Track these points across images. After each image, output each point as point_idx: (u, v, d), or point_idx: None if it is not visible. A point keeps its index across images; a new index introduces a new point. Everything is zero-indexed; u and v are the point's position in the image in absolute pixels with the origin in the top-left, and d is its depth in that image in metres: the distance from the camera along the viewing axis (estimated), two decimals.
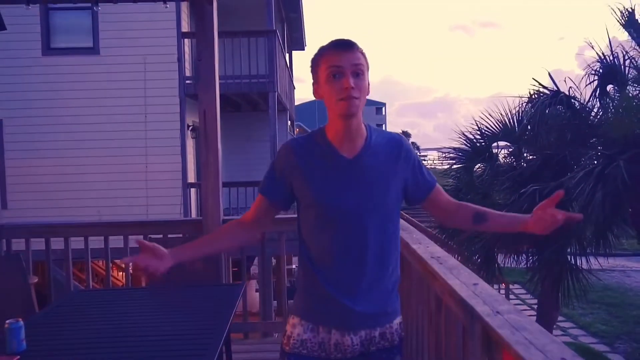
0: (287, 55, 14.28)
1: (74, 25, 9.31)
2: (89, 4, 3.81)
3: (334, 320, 1.50)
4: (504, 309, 1.49)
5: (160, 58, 8.91)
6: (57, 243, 3.76)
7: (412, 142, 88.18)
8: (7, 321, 1.90)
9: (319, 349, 1.52)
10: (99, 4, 3.77)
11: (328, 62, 1.43)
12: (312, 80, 1.51)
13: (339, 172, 1.47)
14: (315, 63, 1.48)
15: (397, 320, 1.58)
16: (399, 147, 1.53)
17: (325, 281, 1.49)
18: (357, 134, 1.48)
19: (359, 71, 1.42)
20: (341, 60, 1.41)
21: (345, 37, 1.47)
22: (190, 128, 9.67)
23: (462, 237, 7.59)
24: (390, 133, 1.57)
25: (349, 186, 1.47)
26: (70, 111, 8.83)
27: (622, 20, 7.28)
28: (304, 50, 18.41)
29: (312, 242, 1.52)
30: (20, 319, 1.92)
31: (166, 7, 3.89)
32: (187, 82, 9.23)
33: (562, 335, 9.93)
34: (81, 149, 8.85)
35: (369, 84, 1.47)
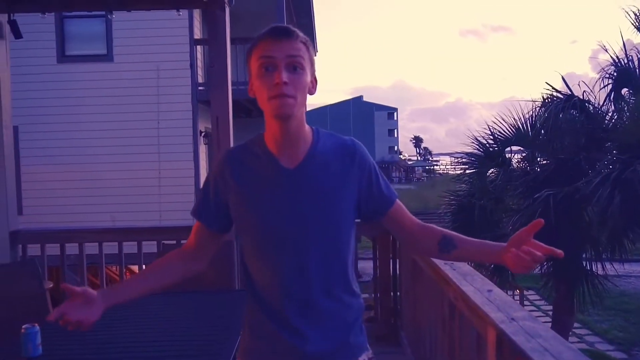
0: None
1: (88, 33, 9.43)
2: (103, 12, 3.86)
3: (280, 355, 1.25)
4: (518, 315, 1.48)
5: (173, 65, 8.99)
6: (71, 248, 3.80)
7: (425, 147, 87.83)
8: (24, 326, 1.92)
9: None
10: (113, 12, 3.82)
11: (260, 53, 1.19)
12: (246, 70, 1.28)
13: (278, 185, 1.23)
14: (248, 54, 1.23)
15: (365, 356, 1.32)
16: (352, 154, 1.26)
17: (270, 317, 1.26)
18: (299, 139, 1.23)
19: (296, 64, 1.18)
20: (274, 51, 1.18)
21: (284, 25, 1.22)
22: (203, 134, 9.72)
23: None
24: (342, 138, 1.30)
25: (290, 202, 1.22)
26: (84, 118, 8.93)
27: (637, 23, 7.22)
28: (315, 55, 18.46)
29: (253, 271, 1.28)
30: (36, 324, 1.94)
31: (179, 14, 3.92)
32: (200, 88, 9.30)
33: (578, 342, 9.80)
34: (95, 155, 8.94)
35: (314, 81, 1.26)
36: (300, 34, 1.22)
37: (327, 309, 1.25)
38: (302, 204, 1.22)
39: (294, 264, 1.22)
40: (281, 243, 1.22)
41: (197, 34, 9.56)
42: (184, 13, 8.74)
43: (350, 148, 1.27)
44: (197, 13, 9.37)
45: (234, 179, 1.26)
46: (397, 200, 1.33)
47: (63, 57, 9.25)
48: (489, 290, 1.76)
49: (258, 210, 1.23)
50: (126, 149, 8.92)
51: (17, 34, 3.59)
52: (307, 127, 1.27)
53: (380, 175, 1.31)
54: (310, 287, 1.23)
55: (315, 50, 18.98)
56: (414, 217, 1.36)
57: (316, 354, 1.24)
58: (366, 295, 2.41)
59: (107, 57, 9.21)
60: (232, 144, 3.64)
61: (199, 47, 9.44)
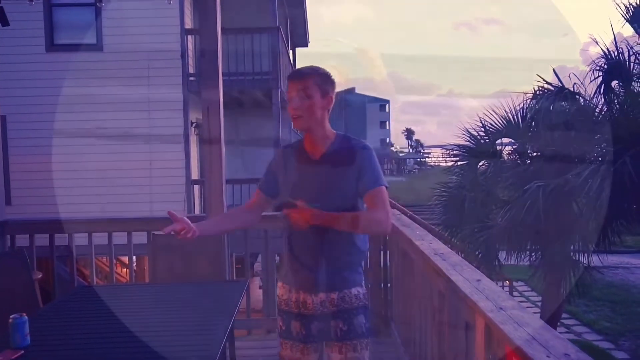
0: (290, 52, 14.27)
1: (77, 21, 9.31)
2: (93, 0, 3.81)
3: (301, 284, 1.93)
4: (507, 304, 1.50)
5: (163, 54, 8.91)
6: (61, 239, 3.77)
7: (416, 140, 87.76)
8: (12, 316, 1.91)
9: (295, 306, 1.95)
10: (103, 0, 3.77)
11: (288, 87, 1.89)
12: None
13: (307, 169, 1.92)
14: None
15: (357, 289, 1.93)
16: (355, 154, 1.88)
17: (295, 254, 1.92)
18: (322, 141, 1.90)
19: (305, 95, 1.83)
20: (290, 91, 1.86)
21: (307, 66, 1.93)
22: (194, 125, 9.67)
23: (465, 232, 7.58)
24: (354, 141, 1.92)
25: (313, 179, 1.89)
26: (73, 107, 8.84)
27: (627, 16, 7.25)
28: (307, 47, 18.38)
29: (287, 222, 1.87)
30: (24, 314, 1.93)
31: (169, 3, 3.89)
32: (191, 78, 9.23)
33: (566, 332, 9.91)
34: (85, 145, 8.86)
35: (329, 99, 1.88)
36: (311, 73, 1.86)
37: (332, 252, 1.88)
38: (321, 180, 1.88)
39: None
40: (307, 203, 1.78)
41: (188, 24, 9.48)
42: (174, 2, 8.64)
43: (356, 150, 1.89)
44: (188, 2, 9.28)
45: (283, 164, 1.98)
46: (373, 190, 1.85)
47: (52, 46, 9.14)
48: (478, 280, 1.77)
49: (295, 184, 1.91)
50: (116, 139, 8.85)
51: (4, 22, 3.54)
52: (330, 131, 1.92)
53: (371, 169, 1.86)
54: (323, 234, 1.83)
55: (308, 41, 18.86)
56: (378, 207, 1.84)
57: (320, 281, 1.88)
58: None
59: (97, 46, 9.10)
60: (222, 135, 3.62)
61: (190, 37, 9.36)
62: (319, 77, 1.85)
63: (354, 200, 1.87)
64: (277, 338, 2.04)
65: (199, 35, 4.00)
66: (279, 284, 2.03)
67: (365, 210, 1.88)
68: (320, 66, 1.90)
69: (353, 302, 1.90)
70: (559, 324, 8.84)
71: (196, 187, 9.33)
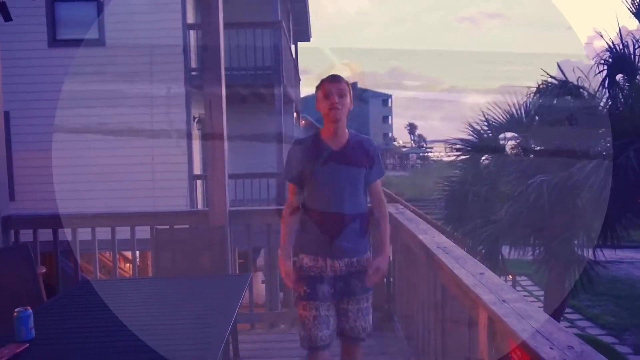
0: (292, 47, 14.23)
1: (79, 16, 9.31)
2: None
3: (329, 253, 2.32)
4: (510, 297, 1.50)
5: (166, 49, 8.90)
6: (64, 234, 3.78)
7: (419, 134, 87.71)
8: (16, 310, 1.92)
9: (322, 271, 2.33)
10: None
11: (325, 86, 2.31)
12: (315, 96, 2.37)
13: (329, 159, 2.32)
14: (318, 86, 2.34)
15: (367, 254, 2.41)
16: (367, 147, 2.39)
17: (321, 227, 2.33)
18: (342, 135, 2.34)
19: (342, 93, 2.30)
20: (330, 88, 2.30)
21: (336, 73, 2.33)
22: (196, 120, 9.67)
23: (467, 227, 7.57)
24: (363, 137, 2.41)
25: (334, 168, 2.31)
26: (76, 103, 8.85)
27: (633, 8, 7.20)
28: (309, 41, 18.32)
29: (312, 203, 2.34)
30: (29, 308, 1.95)
31: None
32: (193, 73, 9.22)
33: (570, 327, 9.91)
34: (88, 141, 8.88)
35: (352, 104, 2.35)
36: (345, 81, 2.34)
37: (349, 223, 2.32)
38: (340, 169, 2.32)
39: (335, 200, 2.31)
40: (329, 188, 2.31)
41: (190, 19, 9.46)
42: None
43: (367, 143, 2.40)
44: None
45: (305, 155, 2.35)
46: (376, 183, 2.43)
47: (54, 41, 9.14)
48: (481, 273, 1.77)
49: (318, 173, 2.31)
50: (119, 134, 8.86)
51: (7, 17, 3.53)
52: (346, 129, 2.37)
53: (376, 162, 2.39)
54: (343, 212, 2.31)
55: (310, 36, 18.81)
56: (380, 197, 2.46)
57: (343, 248, 2.32)
58: None
59: (99, 41, 9.10)
60: (225, 130, 3.62)
61: (192, 32, 9.34)
62: (348, 85, 2.35)
63: (362, 181, 2.37)
64: (297, 302, 2.39)
65: (201, 30, 3.99)
66: (302, 255, 2.38)
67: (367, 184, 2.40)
68: (332, 60, 2.34)
69: (365, 264, 2.37)
70: (562, 318, 8.84)
71: (199, 182, 9.34)
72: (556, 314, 7.50)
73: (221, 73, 3.59)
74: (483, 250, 7.40)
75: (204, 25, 3.66)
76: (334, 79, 2.33)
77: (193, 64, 9.41)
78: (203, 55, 3.64)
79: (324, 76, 2.37)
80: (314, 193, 2.33)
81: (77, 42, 9.10)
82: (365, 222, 2.38)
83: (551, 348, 1.16)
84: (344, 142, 2.33)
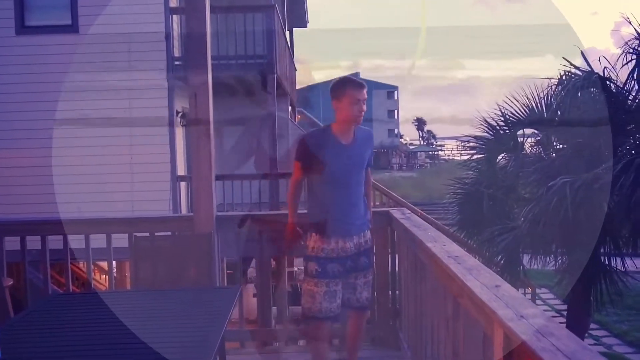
0: (287, 33, 14.25)
1: (50, 1, 9.30)
2: None
3: (340, 232, 3.00)
4: (529, 312, 1.50)
5: (146, 36, 8.88)
6: (33, 242, 3.78)
7: (428, 130, 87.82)
8: None
9: (334, 252, 2.98)
10: None
11: (355, 93, 2.95)
12: (331, 96, 3.01)
13: (339, 152, 2.99)
14: (342, 91, 2.98)
15: (369, 232, 3.19)
16: (369, 140, 3.19)
17: (332, 212, 3.00)
18: (352, 130, 3.04)
19: (365, 100, 2.99)
20: (362, 95, 2.98)
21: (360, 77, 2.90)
22: (180, 114, 9.66)
23: (483, 235, 7.58)
24: (366, 129, 3.16)
25: (344, 160, 2.99)
26: (46, 96, 8.82)
27: None
28: (306, 27, 18.36)
29: (325, 190, 3.03)
30: None
31: None
32: (176, 62, 9.20)
33: (595, 344, 9.93)
34: (59, 138, 8.84)
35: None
36: (365, 84, 3.06)
37: (356, 206, 3.09)
38: (350, 161, 3.03)
39: (344, 187, 3.04)
40: (340, 178, 3.02)
41: (174, 2, 9.46)
42: None
43: (370, 135, 3.19)
44: None
45: (319, 146, 2.99)
46: (369, 168, 3.24)
47: (22, 28, 9.12)
48: (497, 286, 1.77)
49: (330, 165, 2.97)
50: (94, 131, 8.83)
51: None
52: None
53: (372, 150, 3.19)
54: (351, 198, 3.06)
55: (307, 21, 18.84)
56: (370, 177, 3.31)
57: (355, 226, 3.07)
58: None
59: (72, 27, 9.08)
60: (212, 124, 3.62)
61: (175, 17, 9.33)
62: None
63: (364, 167, 3.13)
64: (306, 279, 3.01)
65: (185, 14, 3.99)
66: (315, 236, 2.99)
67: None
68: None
69: (369, 242, 3.17)
70: (586, 335, 8.86)
71: (182, 184, 9.33)
72: (580, 330, 7.51)
73: (208, 63, 3.59)
74: (502, 261, 7.41)
75: (188, 8, 3.67)
76: (361, 86, 2.96)
77: (176, 53, 9.40)
78: (187, 42, 3.65)
79: (343, 76, 3.09)
80: (326, 182, 2.99)
81: (47, 29, 9.09)
82: (365, 201, 3.17)
83: None
84: (352, 136, 3.03)
